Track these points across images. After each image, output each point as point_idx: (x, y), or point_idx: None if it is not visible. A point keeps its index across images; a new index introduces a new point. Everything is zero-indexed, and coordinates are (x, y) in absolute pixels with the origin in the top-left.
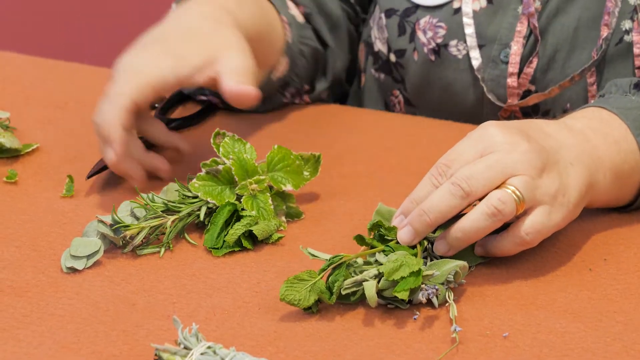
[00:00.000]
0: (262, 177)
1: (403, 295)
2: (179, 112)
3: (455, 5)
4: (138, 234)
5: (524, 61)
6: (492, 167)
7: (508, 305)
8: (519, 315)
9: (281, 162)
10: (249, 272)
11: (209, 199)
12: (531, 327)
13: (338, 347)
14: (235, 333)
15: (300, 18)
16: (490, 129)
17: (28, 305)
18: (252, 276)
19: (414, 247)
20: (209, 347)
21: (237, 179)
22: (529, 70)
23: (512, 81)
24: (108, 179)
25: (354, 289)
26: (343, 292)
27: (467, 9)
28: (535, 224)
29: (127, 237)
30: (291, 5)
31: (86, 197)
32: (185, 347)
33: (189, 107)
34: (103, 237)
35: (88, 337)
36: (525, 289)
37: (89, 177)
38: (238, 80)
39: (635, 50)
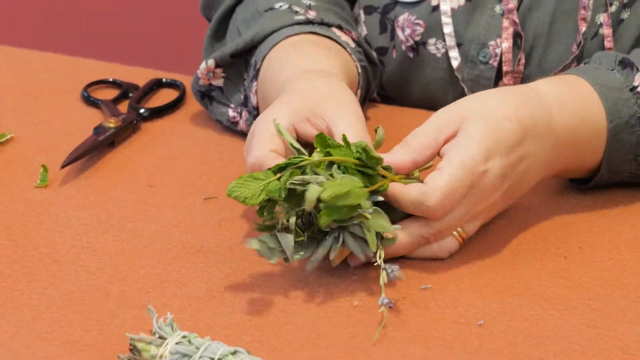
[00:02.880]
0: None
1: (324, 220)
2: (152, 102)
3: (434, 2)
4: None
5: (514, 59)
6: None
7: (483, 292)
8: (494, 302)
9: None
10: (223, 261)
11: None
12: (506, 315)
13: (313, 336)
14: (210, 322)
15: (352, 43)
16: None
17: (3, 295)
18: (227, 265)
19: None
20: (184, 337)
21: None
22: (520, 67)
23: (507, 80)
24: (82, 168)
25: (300, 187)
26: (288, 186)
27: (446, 7)
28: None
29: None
30: (339, 32)
31: (60, 186)
32: (160, 337)
33: (162, 96)
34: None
35: (63, 326)
36: (500, 276)
37: (63, 166)
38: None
39: (606, 44)
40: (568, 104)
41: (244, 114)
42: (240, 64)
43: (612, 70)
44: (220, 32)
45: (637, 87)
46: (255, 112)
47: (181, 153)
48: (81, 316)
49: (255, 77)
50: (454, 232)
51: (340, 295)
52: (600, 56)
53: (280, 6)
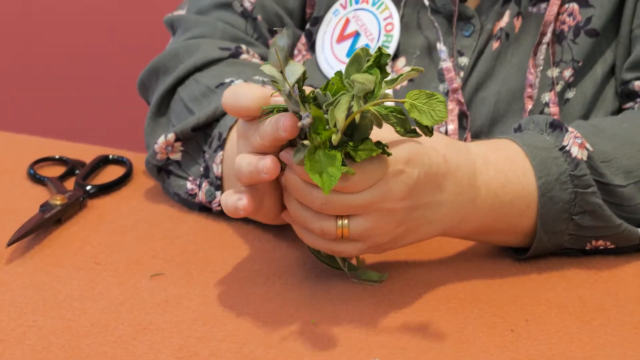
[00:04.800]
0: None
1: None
2: (99, 178)
3: None
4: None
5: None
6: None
7: None
8: None
9: None
10: (170, 338)
11: None
12: None
13: None
14: None
15: None
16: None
17: None
18: (174, 342)
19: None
20: None
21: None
22: None
23: None
24: (28, 247)
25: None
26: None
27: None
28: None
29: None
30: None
31: (6, 265)
32: None
33: (109, 173)
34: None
35: None
36: (447, 349)
37: (9, 244)
38: None
39: None
40: (493, 164)
41: (204, 185)
42: (199, 137)
43: (542, 133)
44: (161, 111)
45: (567, 146)
46: (217, 182)
47: (127, 230)
48: None
49: (221, 146)
50: (337, 222)
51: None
52: (531, 120)
53: (232, 81)
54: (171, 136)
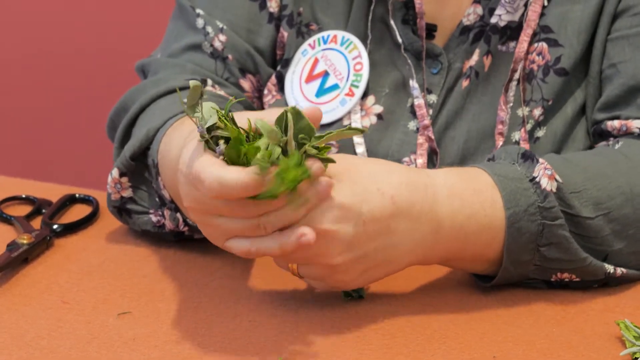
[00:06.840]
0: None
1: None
2: (66, 217)
3: (345, 122)
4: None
5: None
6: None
7: None
8: None
9: None
10: None
11: None
12: None
13: None
14: None
15: None
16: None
17: None
18: None
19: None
20: None
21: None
22: None
23: None
24: None
25: None
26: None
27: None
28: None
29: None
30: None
31: None
32: None
33: (76, 212)
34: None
35: None
36: None
37: None
38: None
39: None
40: (459, 196)
41: (166, 213)
42: (141, 167)
43: (513, 163)
44: (125, 141)
45: (537, 177)
46: (174, 206)
47: (94, 269)
48: None
49: (158, 173)
50: (289, 265)
51: None
52: (503, 151)
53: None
54: (115, 172)
